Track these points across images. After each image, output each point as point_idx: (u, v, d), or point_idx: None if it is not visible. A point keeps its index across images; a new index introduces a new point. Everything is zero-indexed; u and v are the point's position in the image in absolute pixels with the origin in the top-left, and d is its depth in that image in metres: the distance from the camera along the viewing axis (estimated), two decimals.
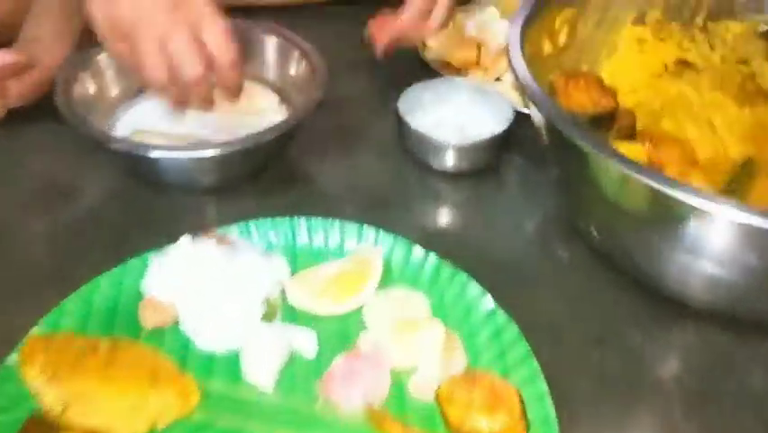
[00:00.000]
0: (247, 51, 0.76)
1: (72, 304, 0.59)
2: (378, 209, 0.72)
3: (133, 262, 0.63)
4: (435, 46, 0.93)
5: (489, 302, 0.60)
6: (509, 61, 0.65)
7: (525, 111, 0.79)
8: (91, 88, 0.76)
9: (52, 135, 0.75)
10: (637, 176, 0.53)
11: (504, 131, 0.75)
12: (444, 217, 0.74)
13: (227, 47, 0.64)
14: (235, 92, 0.68)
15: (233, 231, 0.66)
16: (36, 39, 0.77)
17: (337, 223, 0.66)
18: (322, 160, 0.77)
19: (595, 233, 0.66)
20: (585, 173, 0.60)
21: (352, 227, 0.66)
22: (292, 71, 0.80)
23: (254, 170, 0.74)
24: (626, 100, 0.74)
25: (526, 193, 0.76)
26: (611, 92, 0.72)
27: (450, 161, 0.75)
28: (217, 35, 0.64)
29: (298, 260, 0.64)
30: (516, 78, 0.64)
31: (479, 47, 0.90)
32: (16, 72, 0.73)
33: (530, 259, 0.69)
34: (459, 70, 0.90)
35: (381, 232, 0.65)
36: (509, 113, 0.77)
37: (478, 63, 0.90)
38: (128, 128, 0.75)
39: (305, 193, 0.74)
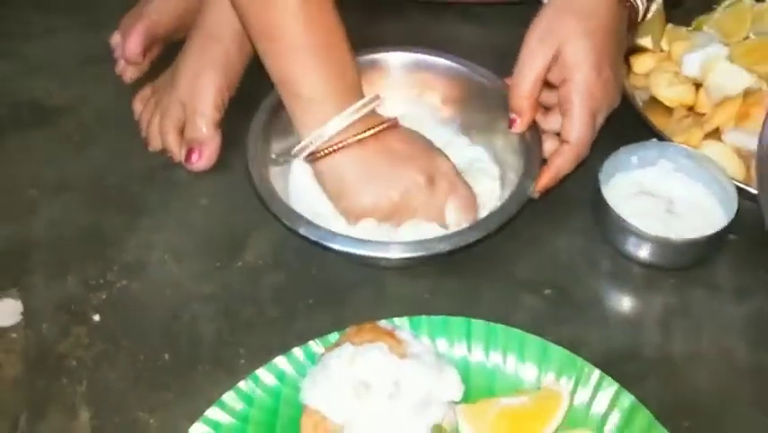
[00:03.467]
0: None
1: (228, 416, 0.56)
2: (560, 306, 0.64)
3: (295, 356, 0.59)
4: (643, 73, 0.80)
5: None
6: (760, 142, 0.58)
7: (754, 190, 0.67)
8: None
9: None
10: None
11: (725, 227, 0.64)
12: (638, 327, 0.64)
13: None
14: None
15: (405, 325, 0.60)
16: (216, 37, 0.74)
17: (517, 336, 0.59)
18: (503, 233, 0.66)
19: None
20: None
21: (533, 345, 0.58)
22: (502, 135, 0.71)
23: None
24: None
25: (744, 300, 0.65)
26: None
27: (651, 255, 0.65)
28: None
29: (471, 379, 0.58)
30: None
31: (696, 87, 0.77)
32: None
33: (743, 401, 0.59)
34: (668, 109, 0.77)
35: (567, 357, 0.58)
36: (733, 196, 0.65)
37: (692, 108, 0.77)
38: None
39: (481, 273, 0.66)
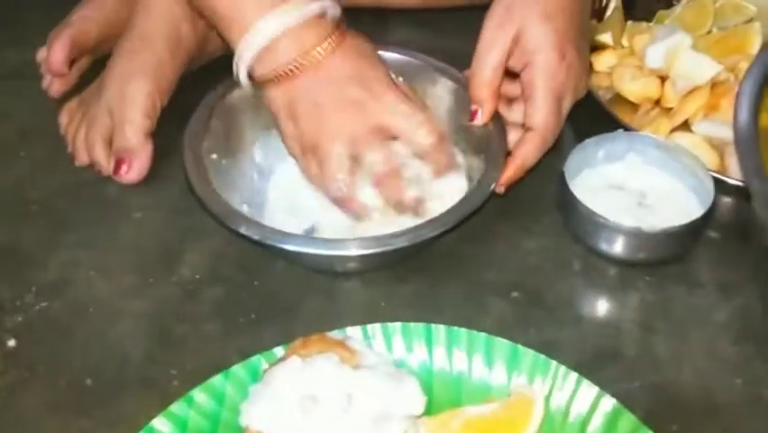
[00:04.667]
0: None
1: None
2: (530, 310, 0.58)
3: (235, 374, 0.52)
4: (604, 71, 0.76)
5: None
6: (735, 121, 0.52)
7: (731, 180, 0.63)
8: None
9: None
10: None
11: (702, 216, 0.59)
12: (616, 327, 0.58)
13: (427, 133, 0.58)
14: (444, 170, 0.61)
15: (357, 335, 0.54)
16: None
17: (483, 339, 0.53)
18: (466, 234, 0.62)
19: None
20: None
21: (501, 346, 0.52)
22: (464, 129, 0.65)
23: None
24: None
25: (726, 296, 0.60)
26: None
27: (625, 249, 0.60)
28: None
29: (434, 389, 0.52)
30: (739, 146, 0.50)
31: (662, 80, 0.73)
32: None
33: (732, 398, 0.53)
34: (633, 106, 0.73)
35: (540, 360, 0.52)
36: (708, 186, 0.60)
37: (658, 102, 0.73)
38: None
39: (442, 277, 0.60)
